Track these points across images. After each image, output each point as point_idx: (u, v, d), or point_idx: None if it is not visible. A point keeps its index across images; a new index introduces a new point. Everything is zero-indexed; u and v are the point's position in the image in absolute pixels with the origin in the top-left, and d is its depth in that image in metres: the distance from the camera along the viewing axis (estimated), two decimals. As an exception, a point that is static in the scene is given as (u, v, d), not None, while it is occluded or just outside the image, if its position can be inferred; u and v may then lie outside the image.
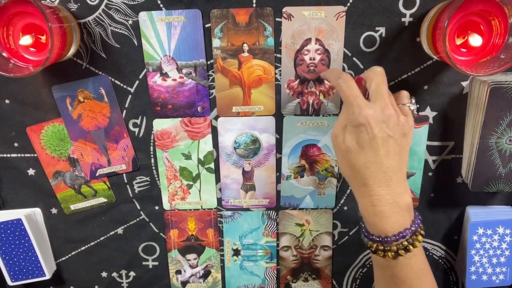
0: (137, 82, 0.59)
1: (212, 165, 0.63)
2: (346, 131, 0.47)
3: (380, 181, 0.45)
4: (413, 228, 0.45)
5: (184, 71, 0.58)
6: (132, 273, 0.70)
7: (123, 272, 0.70)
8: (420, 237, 0.46)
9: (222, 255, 0.69)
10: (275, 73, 0.59)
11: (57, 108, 0.60)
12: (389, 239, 0.45)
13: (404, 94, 0.51)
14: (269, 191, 0.65)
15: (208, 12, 0.56)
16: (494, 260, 0.62)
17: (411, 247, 0.45)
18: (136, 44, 0.57)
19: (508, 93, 0.52)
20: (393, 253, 0.45)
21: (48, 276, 0.65)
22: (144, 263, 0.69)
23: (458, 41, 0.51)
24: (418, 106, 0.49)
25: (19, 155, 0.62)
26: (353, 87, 0.47)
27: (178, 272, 0.70)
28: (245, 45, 0.57)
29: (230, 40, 0.57)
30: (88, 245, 0.68)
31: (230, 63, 0.58)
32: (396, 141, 0.46)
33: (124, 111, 0.61)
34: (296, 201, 0.65)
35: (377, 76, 0.48)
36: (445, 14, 0.47)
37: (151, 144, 0.62)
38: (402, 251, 0.45)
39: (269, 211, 0.66)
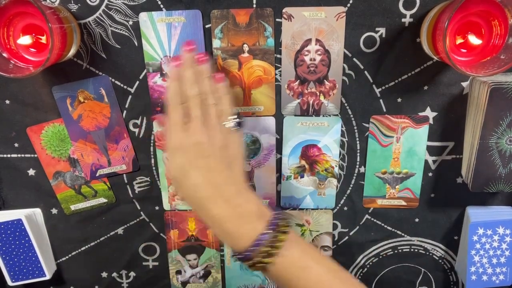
0: (137, 82, 0.59)
1: (212, 166, 0.63)
2: (169, 161, 0.47)
3: (215, 200, 0.44)
4: (268, 231, 0.43)
5: (184, 71, 0.58)
6: (132, 273, 0.70)
7: (123, 272, 0.70)
8: (282, 236, 0.42)
9: (222, 255, 0.69)
10: (275, 74, 0.59)
11: (57, 108, 0.60)
12: (248, 253, 0.42)
13: (225, 112, 0.49)
14: (269, 192, 0.65)
15: (208, 12, 0.56)
16: (494, 261, 0.62)
17: (274, 250, 0.42)
18: (137, 45, 0.57)
19: (508, 94, 0.52)
20: (261, 264, 0.42)
21: (48, 276, 0.65)
22: (144, 263, 0.69)
23: (458, 42, 0.52)
24: (239, 121, 0.49)
25: (19, 155, 0.62)
26: (173, 111, 0.48)
27: (178, 272, 0.70)
28: (245, 45, 0.57)
29: (230, 40, 0.57)
30: (88, 245, 0.68)
31: (230, 64, 0.58)
32: (216, 159, 0.45)
33: (124, 111, 0.61)
34: (296, 201, 0.65)
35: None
36: (445, 15, 0.47)
37: (151, 144, 0.62)
38: (267, 259, 0.42)
39: (269, 212, 0.66)
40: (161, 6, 0.55)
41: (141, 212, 0.66)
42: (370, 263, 0.69)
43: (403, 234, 0.67)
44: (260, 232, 0.43)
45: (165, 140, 0.47)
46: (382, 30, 0.56)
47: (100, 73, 0.58)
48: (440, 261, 0.68)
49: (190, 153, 0.45)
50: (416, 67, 0.57)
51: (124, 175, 0.64)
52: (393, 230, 0.66)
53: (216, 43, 0.57)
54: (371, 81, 0.58)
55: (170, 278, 0.70)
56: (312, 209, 0.66)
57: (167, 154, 0.48)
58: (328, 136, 0.61)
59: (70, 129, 0.61)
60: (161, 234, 0.67)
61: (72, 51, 0.55)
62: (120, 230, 0.67)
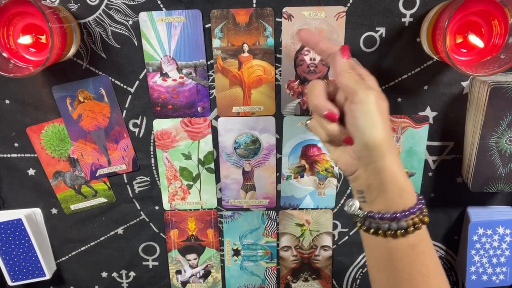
0: (137, 82, 0.59)
1: (212, 165, 0.64)
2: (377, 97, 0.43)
3: (389, 146, 0.42)
4: (421, 203, 0.44)
5: (184, 71, 0.58)
6: (132, 273, 0.70)
7: (123, 272, 0.70)
8: (426, 218, 0.43)
9: (222, 255, 0.69)
10: (275, 73, 0.59)
11: (57, 108, 0.60)
12: (414, 209, 0.43)
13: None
14: (269, 191, 0.65)
15: (208, 12, 0.56)
16: (494, 260, 0.62)
17: (425, 218, 0.43)
18: (136, 44, 0.57)
19: (508, 93, 0.52)
20: (418, 224, 0.42)
21: (48, 276, 0.65)
22: (144, 263, 0.69)
23: (458, 41, 0.52)
24: None
25: (19, 155, 0.62)
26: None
27: (178, 272, 0.70)
28: (245, 45, 0.57)
29: (230, 40, 0.57)
30: (88, 245, 0.68)
31: (230, 63, 0.58)
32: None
33: (124, 111, 0.61)
34: (296, 201, 0.65)
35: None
36: (445, 14, 0.47)
37: (151, 144, 0.62)
38: (426, 218, 0.43)
39: (269, 211, 0.66)
40: (161, 5, 0.55)
41: (141, 212, 0.66)
42: (370, 263, 0.69)
43: (403, 234, 0.67)
44: (416, 201, 0.43)
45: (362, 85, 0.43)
46: (382, 30, 0.56)
47: (100, 73, 0.58)
48: (440, 261, 0.68)
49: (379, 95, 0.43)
50: (416, 67, 0.57)
51: (124, 175, 0.64)
52: (393, 230, 0.66)
53: (216, 42, 0.57)
54: (371, 80, 0.58)
55: (170, 278, 0.70)
56: (312, 209, 0.66)
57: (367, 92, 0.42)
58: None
59: (70, 129, 0.61)
60: (161, 234, 0.67)
61: (72, 51, 0.55)
62: (120, 230, 0.67)
